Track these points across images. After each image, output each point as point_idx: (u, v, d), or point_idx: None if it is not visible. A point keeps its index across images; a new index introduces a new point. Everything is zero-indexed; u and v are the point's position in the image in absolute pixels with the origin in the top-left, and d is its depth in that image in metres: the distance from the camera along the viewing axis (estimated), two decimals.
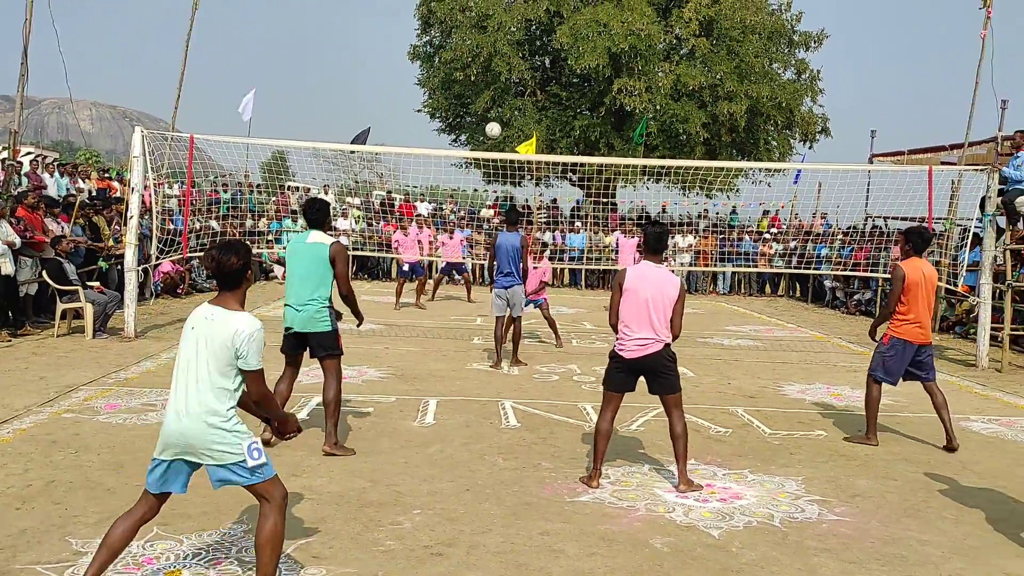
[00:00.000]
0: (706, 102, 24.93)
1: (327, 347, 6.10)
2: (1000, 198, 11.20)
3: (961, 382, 10.15)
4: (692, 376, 9.78)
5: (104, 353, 9.70)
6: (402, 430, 6.84)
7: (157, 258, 12.02)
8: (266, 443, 5.73)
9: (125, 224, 11.68)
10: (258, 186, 20.82)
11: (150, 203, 12.42)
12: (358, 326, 6.61)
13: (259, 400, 3.66)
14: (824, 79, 26.72)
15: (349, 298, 6.19)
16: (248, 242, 15.39)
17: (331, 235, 6.37)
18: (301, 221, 20.93)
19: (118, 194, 16.67)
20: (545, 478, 5.68)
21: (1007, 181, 11.18)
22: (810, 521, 5.04)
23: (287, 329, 6.14)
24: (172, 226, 13.63)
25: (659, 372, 5.49)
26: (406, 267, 16.32)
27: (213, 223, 15.43)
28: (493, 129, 12.53)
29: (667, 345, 5.48)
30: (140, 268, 11.44)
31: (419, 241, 17.04)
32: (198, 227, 14.18)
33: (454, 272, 18.22)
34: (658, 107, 24.40)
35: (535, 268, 11.40)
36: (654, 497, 5.37)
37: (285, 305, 6.16)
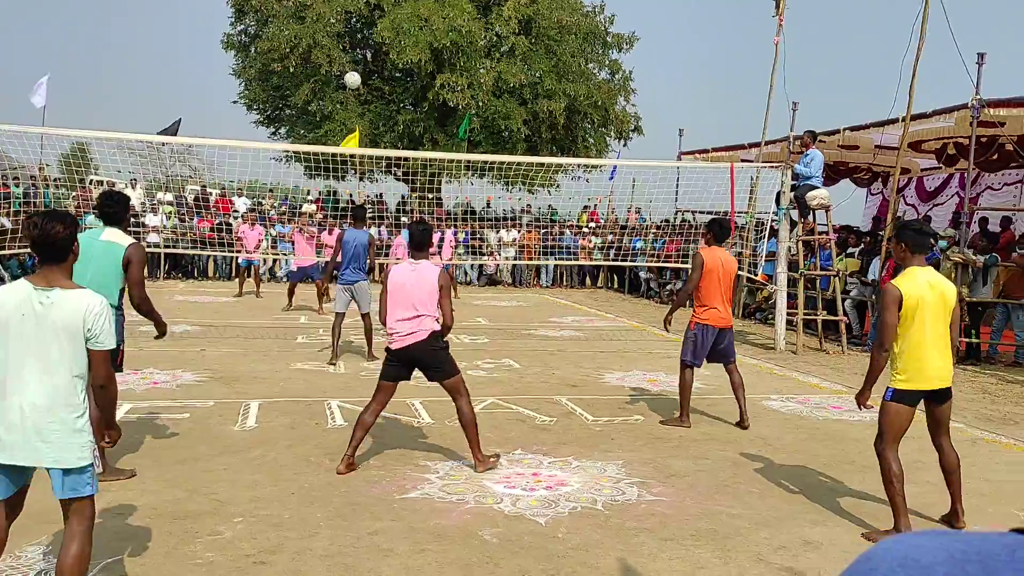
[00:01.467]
0: (527, 99, 25.45)
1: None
2: (792, 193, 12.15)
3: (762, 364, 10.93)
4: (517, 367, 9.97)
5: None
6: (222, 435, 6.54)
7: None
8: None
9: None
10: (56, 180, 19.27)
11: None
12: (158, 336, 5.74)
13: (106, 383, 3.35)
14: (636, 79, 27.97)
15: (144, 307, 5.45)
16: None
17: (131, 234, 5.72)
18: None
19: None
20: (373, 477, 5.61)
21: (799, 177, 12.14)
22: (630, 503, 5.27)
23: None
24: None
25: (429, 361, 5.74)
26: (295, 268, 15.72)
27: (3, 220, 14.15)
28: (353, 79, 12.26)
29: (433, 334, 5.68)
30: None
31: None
32: None
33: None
34: (480, 103, 24.67)
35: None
36: (482, 489, 5.42)
37: None
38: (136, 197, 21.45)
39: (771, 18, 14.37)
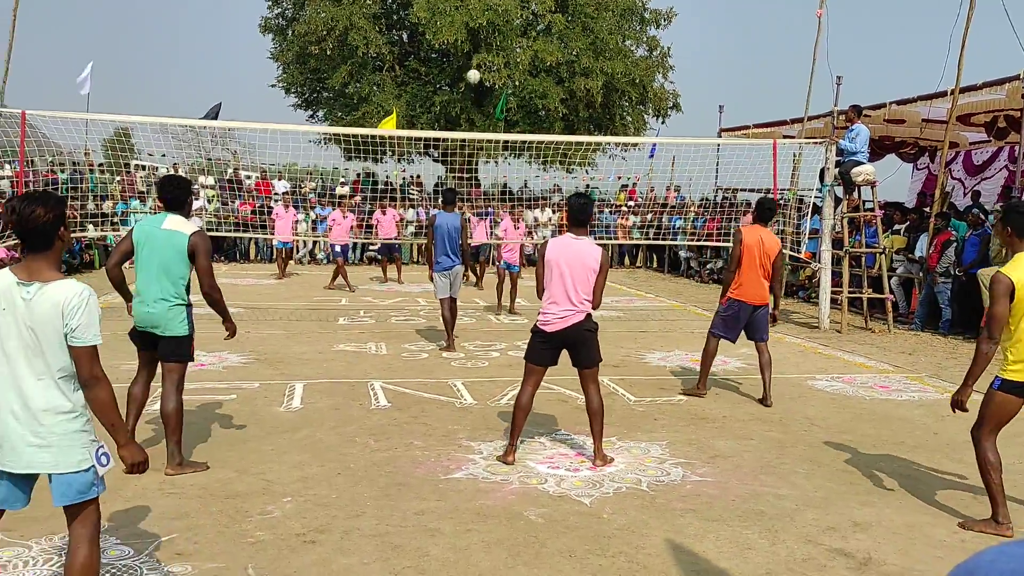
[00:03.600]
0: (563, 78, 25.28)
1: (178, 353, 5.27)
2: (837, 169, 11.93)
3: (806, 343, 10.80)
4: None
5: None
6: (268, 416, 6.63)
7: None
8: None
9: None
10: (100, 165, 19.57)
11: None
12: (227, 336, 5.53)
13: (90, 382, 2.97)
14: (674, 56, 27.64)
15: (213, 296, 5.28)
16: (91, 224, 14.48)
17: (194, 220, 5.49)
18: (150, 202, 19.97)
19: None
20: (418, 457, 5.65)
21: (843, 153, 11.91)
22: (675, 483, 5.24)
23: (135, 328, 5.33)
24: None
25: (580, 343, 5.50)
26: (339, 248, 16.00)
27: None
28: (474, 76, 13.11)
29: (588, 316, 5.50)
30: None
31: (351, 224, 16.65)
32: None
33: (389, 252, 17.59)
34: (517, 83, 24.54)
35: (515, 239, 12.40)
36: (527, 470, 5.44)
37: (135, 299, 5.29)
38: None
39: None
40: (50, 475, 2.98)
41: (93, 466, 3.01)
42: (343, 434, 6.16)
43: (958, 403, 4.69)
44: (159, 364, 5.40)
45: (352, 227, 16.46)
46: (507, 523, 4.52)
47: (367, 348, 9.71)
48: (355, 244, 19.82)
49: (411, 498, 4.87)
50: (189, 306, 5.32)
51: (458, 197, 10.07)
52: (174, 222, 5.24)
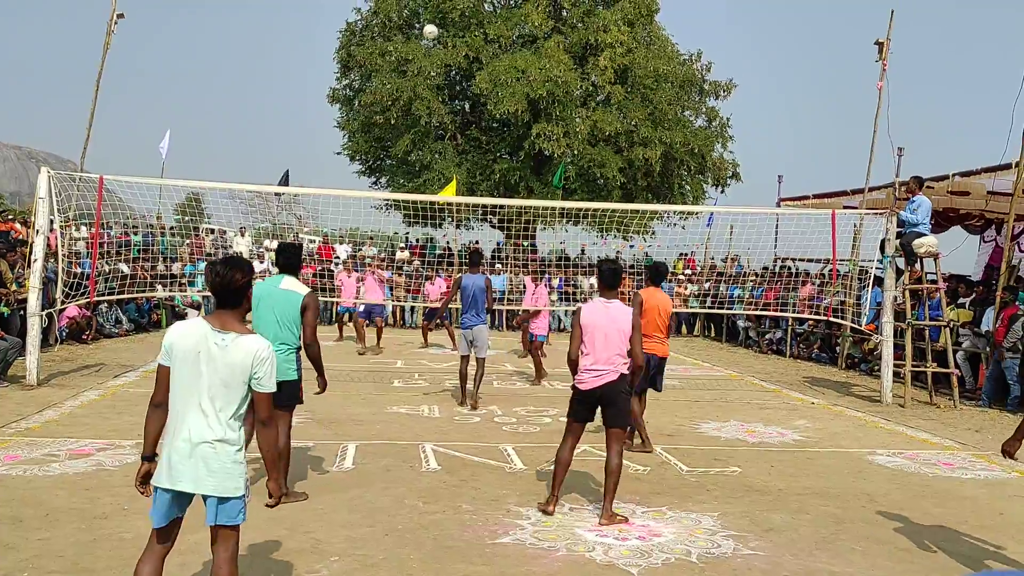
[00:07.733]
0: (622, 147, 25.56)
1: (288, 396, 5.88)
2: (898, 240, 11.76)
3: (867, 417, 10.52)
4: None
5: (4, 402, 9.24)
6: (320, 476, 6.70)
7: (63, 302, 11.57)
8: None
9: (29, 267, 11.24)
10: (171, 228, 20.32)
11: (55, 246, 11.98)
12: (318, 392, 6.20)
13: (266, 420, 3.57)
14: (733, 126, 27.80)
15: (313, 349, 5.96)
16: (160, 286, 14.98)
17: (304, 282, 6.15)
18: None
19: (22, 237, 16.02)
20: (466, 521, 5.64)
21: (904, 224, 11.75)
22: (726, 556, 5.13)
23: None
24: (79, 269, 13.17)
25: (612, 403, 5.75)
26: (360, 308, 16.37)
27: (123, 266, 14.99)
28: (431, 31, 12.90)
29: (622, 376, 5.74)
30: (44, 313, 10.97)
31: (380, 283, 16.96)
32: (107, 270, 13.73)
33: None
34: (576, 152, 24.89)
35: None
36: (574, 537, 5.38)
37: None
38: (245, 245, 22.40)
39: (874, 63, 14.13)
40: (206, 497, 3.46)
41: (245, 495, 3.50)
42: (393, 495, 6.19)
43: (1006, 452, 4.87)
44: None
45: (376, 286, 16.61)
46: None
47: (420, 411, 9.78)
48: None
49: (457, 561, 4.86)
50: (299, 356, 6.01)
51: (483, 260, 10.47)
52: (290, 283, 6.01)
